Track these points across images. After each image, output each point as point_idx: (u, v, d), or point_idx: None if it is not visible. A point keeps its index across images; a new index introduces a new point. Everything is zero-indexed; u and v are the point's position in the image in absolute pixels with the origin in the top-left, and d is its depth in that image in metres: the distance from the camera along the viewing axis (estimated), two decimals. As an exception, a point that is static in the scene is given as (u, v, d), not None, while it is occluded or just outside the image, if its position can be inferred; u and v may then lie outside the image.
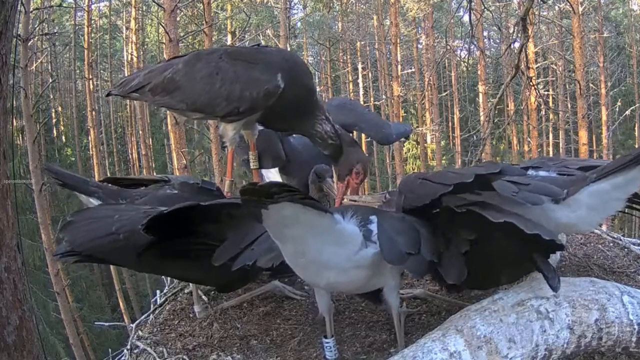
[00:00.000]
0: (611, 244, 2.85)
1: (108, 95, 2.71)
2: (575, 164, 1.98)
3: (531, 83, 5.81)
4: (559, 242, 1.51)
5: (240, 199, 1.41)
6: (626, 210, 2.17)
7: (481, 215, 1.53)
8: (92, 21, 18.56)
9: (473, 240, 1.62)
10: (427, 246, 1.64)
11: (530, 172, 2.02)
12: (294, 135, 2.98)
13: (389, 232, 1.66)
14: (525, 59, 5.30)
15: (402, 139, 3.60)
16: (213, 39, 11.69)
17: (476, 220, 1.55)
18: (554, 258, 2.40)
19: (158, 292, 2.84)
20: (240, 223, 1.79)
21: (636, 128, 20.87)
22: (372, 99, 21.87)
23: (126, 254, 1.95)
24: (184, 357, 2.13)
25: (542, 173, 1.97)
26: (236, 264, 1.69)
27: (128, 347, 2.31)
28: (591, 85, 18.84)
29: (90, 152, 18.30)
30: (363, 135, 8.91)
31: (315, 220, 1.51)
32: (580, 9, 14.25)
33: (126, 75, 18.30)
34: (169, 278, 2.92)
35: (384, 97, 20.27)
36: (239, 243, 1.75)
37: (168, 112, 8.81)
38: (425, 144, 19.95)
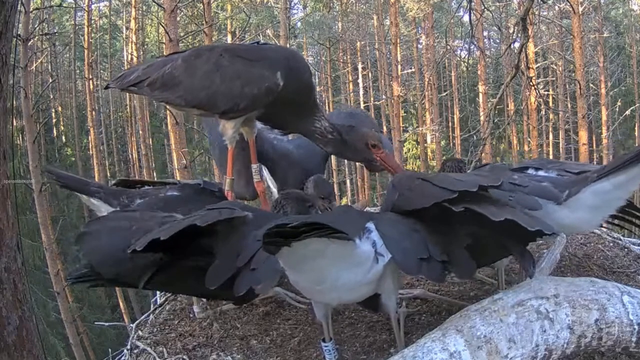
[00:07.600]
0: (611, 244, 2.86)
1: (106, 88, 2.68)
2: (576, 168, 1.96)
3: (531, 83, 5.80)
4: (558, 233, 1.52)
5: (263, 242, 1.34)
6: (623, 219, 2.19)
7: (480, 214, 1.51)
8: (92, 21, 18.55)
9: (473, 233, 1.60)
10: (435, 247, 1.60)
11: (531, 171, 2.02)
12: (290, 136, 2.95)
13: (398, 241, 1.62)
14: (525, 59, 5.29)
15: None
16: (213, 39, 11.67)
17: (475, 216, 1.53)
18: (553, 259, 2.40)
19: (158, 292, 2.83)
20: (227, 237, 1.70)
21: (636, 128, 20.87)
22: (372, 99, 21.87)
23: (142, 271, 1.76)
24: (184, 357, 2.13)
25: (541, 173, 1.96)
26: (240, 289, 1.57)
27: (128, 347, 2.32)
28: (591, 85, 18.84)
29: (90, 152, 18.29)
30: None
31: (339, 250, 1.46)
32: (580, 9, 14.25)
33: (126, 74, 18.32)
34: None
35: (384, 97, 20.26)
36: (231, 262, 1.64)
37: (168, 111, 8.80)
38: (425, 144, 19.96)
